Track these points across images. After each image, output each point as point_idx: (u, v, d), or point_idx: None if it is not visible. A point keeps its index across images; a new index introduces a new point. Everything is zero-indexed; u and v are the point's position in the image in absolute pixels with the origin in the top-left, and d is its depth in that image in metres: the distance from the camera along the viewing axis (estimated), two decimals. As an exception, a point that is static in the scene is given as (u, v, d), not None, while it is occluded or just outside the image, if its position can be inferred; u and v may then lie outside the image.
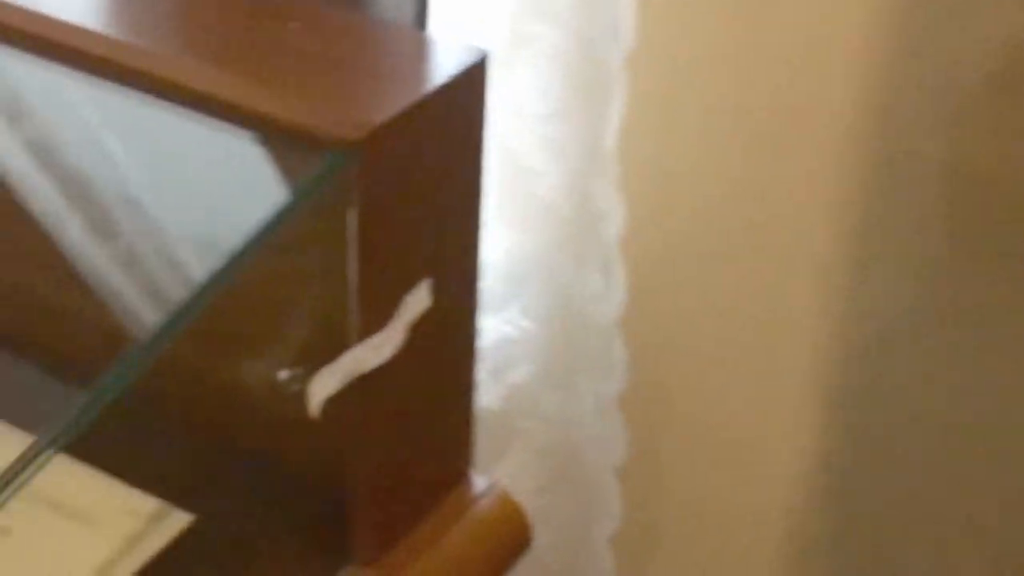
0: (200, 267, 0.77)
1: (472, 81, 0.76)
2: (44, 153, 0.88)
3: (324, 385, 0.74)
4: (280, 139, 0.71)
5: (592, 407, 1.26)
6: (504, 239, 1.18)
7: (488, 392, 1.24)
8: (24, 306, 0.96)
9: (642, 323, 1.25)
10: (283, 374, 0.77)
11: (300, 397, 0.75)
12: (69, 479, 0.87)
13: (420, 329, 0.79)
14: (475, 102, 0.78)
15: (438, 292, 0.80)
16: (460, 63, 0.76)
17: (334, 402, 0.76)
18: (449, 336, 0.85)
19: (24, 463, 0.73)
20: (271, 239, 0.72)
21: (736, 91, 1.19)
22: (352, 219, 0.72)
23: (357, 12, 0.84)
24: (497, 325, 1.21)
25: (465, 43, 0.78)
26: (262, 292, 0.78)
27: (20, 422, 0.89)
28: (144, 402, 0.85)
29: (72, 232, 0.88)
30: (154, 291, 0.82)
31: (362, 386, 0.77)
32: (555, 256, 1.18)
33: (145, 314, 0.84)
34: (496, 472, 1.28)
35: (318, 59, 0.75)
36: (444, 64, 0.76)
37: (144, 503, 0.87)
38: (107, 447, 0.87)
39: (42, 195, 0.89)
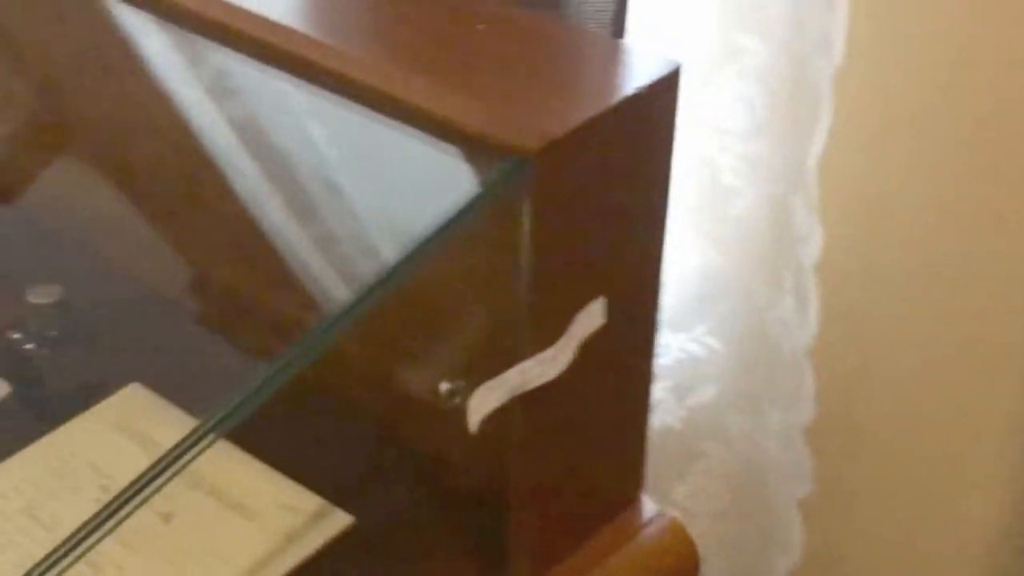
0: (370, 266, 0.75)
1: (663, 94, 0.73)
2: (241, 141, 0.88)
3: (484, 401, 0.71)
4: (458, 143, 0.69)
5: (777, 434, 1.21)
6: (696, 255, 1.14)
7: (670, 411, 1.21)
8: (212, 288, 0.97)
9: (834, 352, 1.20)
10: (444, 386, 0.75)
11: (461, 410, 0.73)
12: (233, 468, 0.88)
13: (592, 347, 0.76)
14: (664, 116, 0.74)
15: (614, 310, 0.77)
16: (651, 75, 0.72)
17: (497, 416, 0.74)
18: (624, 355, 0.82)
19: (186, 447, 0.73)
20: (441, 245, 0.69)
21: (949, 111, 1.13)
22: (526, 231, 0.69)
23: (552, 16, 0.81)
24: (683, 343, 1.18)
25: (660, 54, 0.75)
26: (429, 299, 0.76)
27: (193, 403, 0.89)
28: (315, 397, 0.85)
29: (254, 218, 0.89)
30: (323, 287, 0.81)
31: (526, 403, 0.74)
32: (748, 276, 1.14)
33: (312, 308, 0.83)
34: (674, 493, 1.25)
35: (503, 63, 0.73)
36: (635, 75, 0.73)
37: (306, 500, 0.86)
38: (275, 439, 0.87)
39: (231, 181, 0.89)
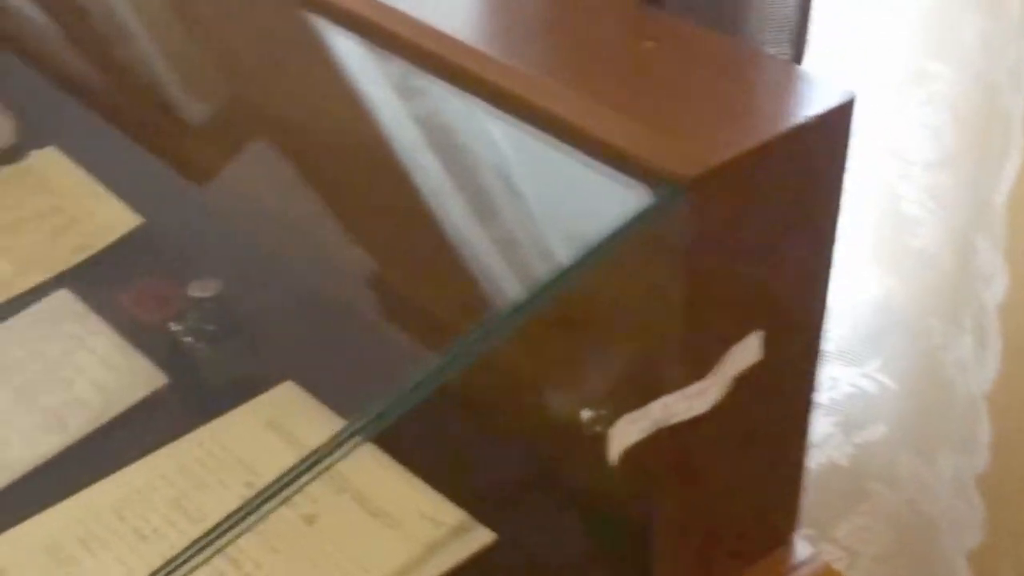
0: (520, 283, 0.74)
1: (835, 125, 0.70)
2: (409, 148, 0.88)
3: (626, 432, 0.69)
4: (614, 166, 0.67)
5: (949, 480, 1.16)
6: (872, 287, 1.10)
7: (837, 447, 1.17)
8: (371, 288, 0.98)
9: (1014, 397, 1.14)
10: (586, 413, 0.72)
11: (603, 438, 0.71)
12: (379, 475, 0.87)
13: (746, 382, 0.73)
14: (836, 147, 0.71)
15: (771, 344, 0.73)
16: (824, 104, 0.69)
17: (644, 445, 0.72)
18: (781, 390, 0.79)
19: (332, 447, 0.72)
20: (590, 268, 0.67)
21: None
22: (680, 260, 0.67)
23: (726, 35, 0.78)
24: (854, 377, 1.14)
25: (836, 81, 0.71)
26: (577, 322, 0.74)
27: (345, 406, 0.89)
28: (465, 410, 0.84)
29: (415, 224, 0.88)
30: (474, 298, 0.80)
31: (673, 435, 0.72)
32: (926, 312, 1.09)
33: (464, 318, 0.82)
34: (836, 531, 1.21)
35: (668, 83, 0.70)
36: (806, 103, 0.69)
37: (449, 513, 0.85)
38: (423, 449, 0.86)
39: (397, 186, 0.89)
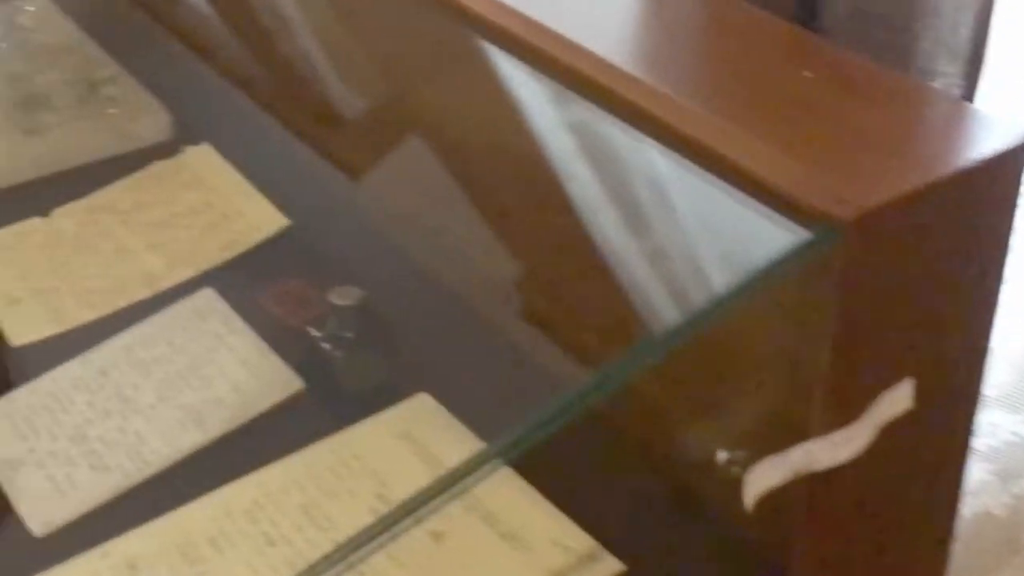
0: (663, 315, 0.71)
1: (1006, 167, 0.66)
2: (559, 164, 0.86)
3: (764, 477, 0.66)
4: (767, 202, 0.64)
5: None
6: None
7: (993, 496, 1.12)
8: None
9: None
10: (722, 455, 0.70)
11: (737, 480, 0.68)
12: (510, 495, 0.85)
13: (894, 431, 0.69)
14: (1006, 190, 0.67)
15: (925, 391, 0.70)
16: (995, 145, 0.65)
17: (780, 491, 0.69)
18: (933, 439, 0.75)
19: (469, 469, 0.71)
20: (739, 304, 0.65)
21: None
22: (832, 302, 0.63)
23: (894, 62, 0.74)
24: (1015, 425, 1.09)
25: (1009, 119, 0.67)
26: (720, 359, 0.71)
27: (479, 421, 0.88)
28: (600, 436, 0.82)
29: (560, 242, 0.86)
30: (614, 328, 0.78)
31: (813, 483, 0.68)
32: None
33: (604, 344, 0.80)
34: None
35: (827, 117, 0.67)
36: (975, 143, 0.66)
37: (580, 540, 0.83)
38: (555, 471, 0.84)
39: (545, 202, 0.88)
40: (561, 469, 0.84)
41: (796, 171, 0.63)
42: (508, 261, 0.96)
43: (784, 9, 0.92)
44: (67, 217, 1.10)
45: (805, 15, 0.91)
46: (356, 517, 0.85)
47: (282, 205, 1.09)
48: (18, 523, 0.85)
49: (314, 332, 0.93)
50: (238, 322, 0.98)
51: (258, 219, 1.08)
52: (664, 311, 0.77)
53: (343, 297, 0.92)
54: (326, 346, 0.92)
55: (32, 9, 1.25)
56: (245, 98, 1.18)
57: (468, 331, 0.96)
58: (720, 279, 0.65)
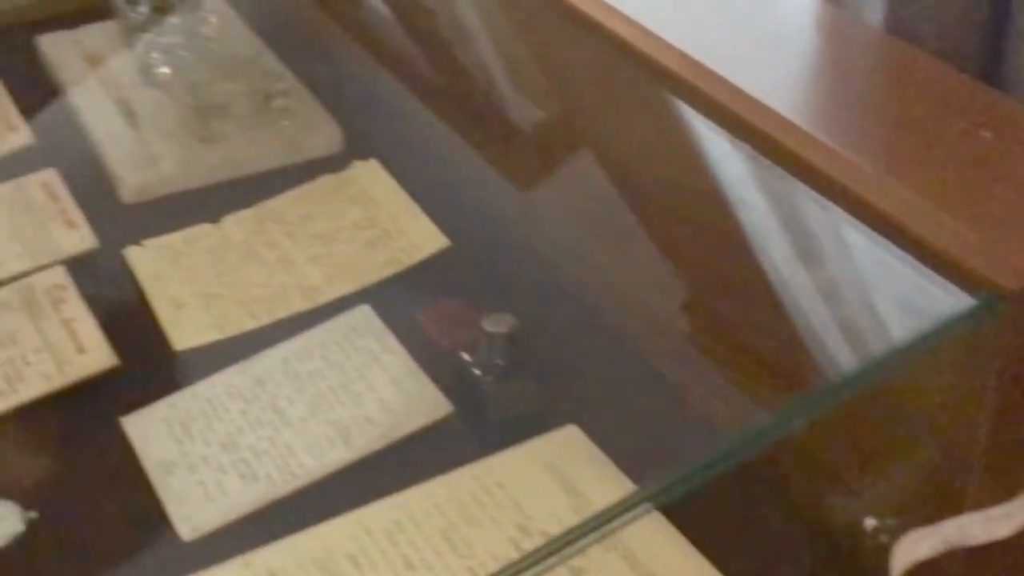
0: (819, 373, 0.69)
1: None
2: (725, 213, 0.85)
3: (912, 550, 0.64)
4: (930, 265, 0.62)
5: None
6: None
7: None
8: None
9: None
10: (870, 522, 0.67)
11: (885, 549, 0.66)
12: (652, 537, 0.84)
13: (1058, 506, 0.66)
14: None
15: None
16: None
17: (928, 565, 0.66)
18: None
19: (616, 511, 0.70)
20: (896, 367, 0.63)
21: None
22: (994, 372, 0.61)
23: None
24: None
25: None
26: (874, 423, 0.69)
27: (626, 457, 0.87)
28: (749, 488, 0.81)
29: (718, 287, 0.85)
30: (768, 380, 0.76)
31: (965, 558, 0.66)
32: None
33: (758, 397, 0.79)
34: None
35: (1003, 180, 0.64)
36: None
37: (720, 589, 0.81)
38: (697, 515, 0.82)
39: (699, 242, 0.86)
40: (705, 514, 0.82)
41: (967, 237, 0.61)
42: (671, 300, 0.94)
43: (967, 55, 0.89)
44: (236, 225, 1.12)
45: (987, 58, 0.88)
46: (496, 546, 0.84)
47: (444, 225, 1.09)
48: (168, 525, 0.87)
49: (466, 356, 0.93)
50: (392, 341, 0.99)
51: (419, 238, 1.09)
52: (819, 369, 0.75)
53: (496, 325, 0.92)
54: (476, 371, 0.92)
55: (215, 20, 1.28)
56: (417, 113, 1.18)
57: (623, 366, 0.95)
58: (880, 341, 0.63)
